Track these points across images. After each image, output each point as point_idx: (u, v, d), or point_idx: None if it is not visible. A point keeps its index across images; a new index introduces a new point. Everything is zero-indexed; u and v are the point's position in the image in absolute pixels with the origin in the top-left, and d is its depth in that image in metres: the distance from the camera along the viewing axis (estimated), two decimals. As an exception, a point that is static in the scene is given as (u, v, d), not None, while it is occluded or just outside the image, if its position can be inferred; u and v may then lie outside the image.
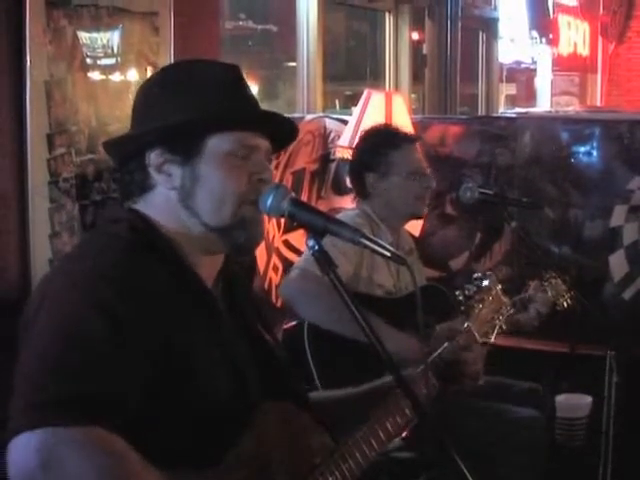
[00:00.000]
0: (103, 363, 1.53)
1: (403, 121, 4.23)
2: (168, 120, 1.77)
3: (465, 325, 2.41)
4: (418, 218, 3.59)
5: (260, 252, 4.19)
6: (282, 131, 1.91)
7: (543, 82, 10.60)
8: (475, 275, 2.68)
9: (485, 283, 2.61)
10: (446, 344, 2.23)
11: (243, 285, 1.99)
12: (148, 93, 1.86)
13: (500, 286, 2.67)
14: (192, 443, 1.64)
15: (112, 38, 3.14)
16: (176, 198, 1.78)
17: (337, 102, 7.41)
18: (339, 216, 3.28)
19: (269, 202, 1.77)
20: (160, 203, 1.79)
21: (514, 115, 6.62)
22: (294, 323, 3.15)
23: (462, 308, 2.52)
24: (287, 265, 4.30)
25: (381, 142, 3.40)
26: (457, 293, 2.58)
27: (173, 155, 1.77)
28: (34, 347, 1.57)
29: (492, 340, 2.56)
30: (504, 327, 2.62)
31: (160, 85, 1.86)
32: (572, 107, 10.03)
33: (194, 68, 1.88)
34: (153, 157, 1.77)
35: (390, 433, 1.92)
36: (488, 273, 2.70)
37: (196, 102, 1.78)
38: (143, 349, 1.58)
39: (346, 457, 1.79)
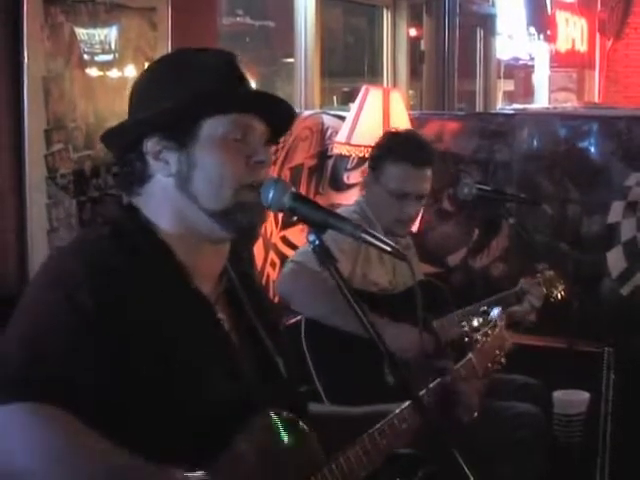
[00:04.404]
0: (64, 351, 1.55)
1: (401, 118, 4.23)
2: (162, 107, 1.75)
3: (468, 356, 2.42)
4: (399, 236, 3.32)
5: (258, 248, 4.19)
6: (278, 113, 1.86)
7: (541, 78, 10.61)
8: (482, 308, 2.68)
9: (492, 317, 2.61)
10: (442, 378, 2.24)
11: (250, 285, 1.95)
12: (142, 83, 1.86)
13: (504, 321, 2.66)
14: (184, 442, 1.62)
15: (110, 34, 3.13)
16: (173, 184, 1.76)
17: (335, 98, 7.41)
18: (338, 211, 3.28)
19: (270, 197, 1.76)
20: (158, 192, 1.77)
21: (512, 111, 6.63)
22: (293, 319, 3.15)
23: (466, 339, 2.52)
24: (285, 261, 4.30)
25: (391, 147, 3.31)
26: (462, 324, 2.59)
27: (169, 141, 1.75)
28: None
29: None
30: (503, 362, 2.62)
31: (153, 74, 1.85)
32: (570, 103, 10.03)
33: (187, 55, 1.87)
34: (150, 145, 1.76)
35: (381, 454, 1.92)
36: (496, 308, 2.69)
37: (188, 87, 1.76)
38: (114, 350, 1.57)
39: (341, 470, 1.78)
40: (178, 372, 1.64)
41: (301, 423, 1.76)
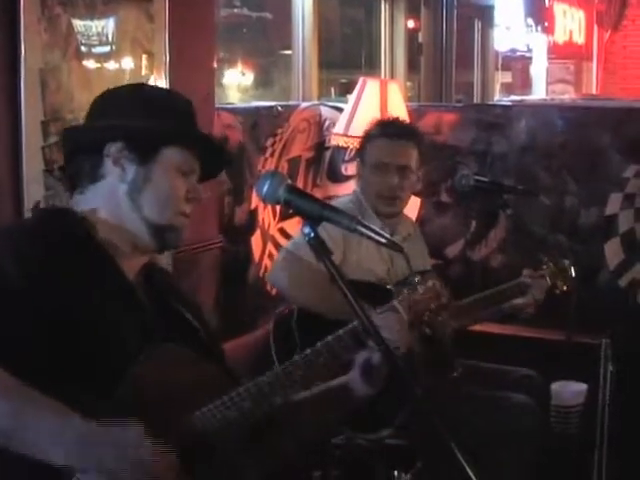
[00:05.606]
0: None
1: (398, 109, 4.23)
2: (138, 122, 1.94)
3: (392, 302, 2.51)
4: (386, 216, 3.35)
5: (256, 240, 4.19)
6: (216, 162, 2.08)
7: (538, 70, 10.62)
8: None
9: (416, 279, 2.77)
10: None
11: (167, 281, 2.10)
12: (121, 95, 2.03)
13: (435, 281, 2.79)
14: (91, 381, 1.73)
15: (107, 26, 3.13)
16: (124, 190, 1.93)
17: (332, 90, 7.42)
18: (334, 202, 3.29)
19: (265, 189, 1.79)
20: (106, 193, 1.94)
21: (509, 103, 6.61)
22: (286, 310, 3.15)
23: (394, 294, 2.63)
24: (282, 253, 4.30)
25: (370, 130, 3.42)
26: (390, 287, 2.71)
27: (131, 153, 1.92)
28: None
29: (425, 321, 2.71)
30: (441, 316, 2.71)
31: (134, 92, 2.05)
32: (567, 95, 10.03)
33: (160, 89, 2.16)
34: (114, 149, 1.92)
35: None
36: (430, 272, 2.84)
37: (164, 115, 1.96)
38: (37, 313, 1.71)
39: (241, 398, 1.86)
40: (93, 336, 1.77)
41: (200, 356, 1.89)
